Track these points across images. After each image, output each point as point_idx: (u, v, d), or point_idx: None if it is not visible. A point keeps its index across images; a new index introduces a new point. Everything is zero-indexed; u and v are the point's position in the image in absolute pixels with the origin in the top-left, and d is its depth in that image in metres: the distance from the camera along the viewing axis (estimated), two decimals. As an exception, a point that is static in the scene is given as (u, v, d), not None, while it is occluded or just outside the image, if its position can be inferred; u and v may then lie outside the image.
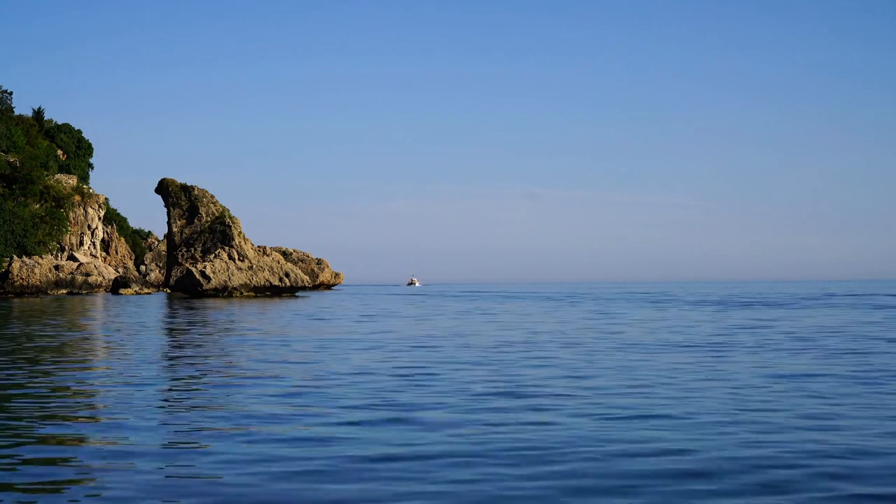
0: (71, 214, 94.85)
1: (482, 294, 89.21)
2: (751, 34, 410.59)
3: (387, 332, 24.34)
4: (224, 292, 72.93)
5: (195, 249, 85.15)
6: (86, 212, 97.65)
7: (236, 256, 77.32)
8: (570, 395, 10.92)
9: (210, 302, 55.19)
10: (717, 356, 16.22)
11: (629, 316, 34.27)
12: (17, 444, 7.91)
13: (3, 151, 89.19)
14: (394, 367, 14.27)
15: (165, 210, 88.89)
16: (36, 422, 9.08)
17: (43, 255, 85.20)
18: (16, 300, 62.09)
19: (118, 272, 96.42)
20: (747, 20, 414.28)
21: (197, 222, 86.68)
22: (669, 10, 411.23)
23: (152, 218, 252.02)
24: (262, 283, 75.51)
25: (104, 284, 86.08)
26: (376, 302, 58.19)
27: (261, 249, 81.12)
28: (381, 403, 10.27)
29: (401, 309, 44.22)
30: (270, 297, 71.00)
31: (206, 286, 72.75)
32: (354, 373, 13.51)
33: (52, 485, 6.57)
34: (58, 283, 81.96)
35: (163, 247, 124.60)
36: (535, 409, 9.88)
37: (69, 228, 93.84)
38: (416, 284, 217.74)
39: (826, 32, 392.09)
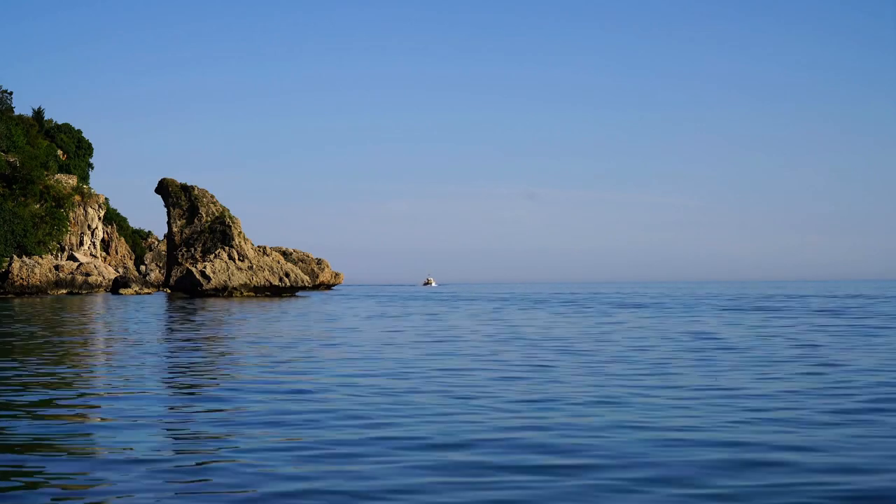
0: (71, 214, 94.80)
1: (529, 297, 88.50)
2: (751, 34, 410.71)
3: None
4: (224, 292, 72.90)
5: (195, 249, 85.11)
6: (86, 212, 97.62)
7: (236, 256, 77.30)
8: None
9: (211, 302, 55.17)
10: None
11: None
12: (15, 447, 7.87)
13: (3, 151, 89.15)
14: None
15: (165, 210, 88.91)
16: (33, 423, 9.04)
17: (43, 255, 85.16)
18: (16, 300, 62.07)
19: (118, 272, 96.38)
20: (747, 20, 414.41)
21: (197, 222, 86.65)
22: (669, 10, 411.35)
23: (152, 218, 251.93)
24: (262, 283, 75.49)
25: (104, 284, 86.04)
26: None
27: (261, 249, 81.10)
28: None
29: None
30: (270, 297, 70.98)
31: (206, 286, 72.73)
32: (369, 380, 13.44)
33: (49, 489, 6.53)
34: (58, 283, 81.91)
35: (163, 247, 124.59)
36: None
37: (69, 228, 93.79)
38: (433, 284, 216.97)
39: (826, 32, 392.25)
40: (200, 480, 6.69)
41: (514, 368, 14.21)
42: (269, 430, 8.58)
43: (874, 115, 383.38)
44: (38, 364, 14.97)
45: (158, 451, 7.68)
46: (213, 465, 7.20)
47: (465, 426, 8.72)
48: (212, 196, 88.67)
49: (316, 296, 77.98)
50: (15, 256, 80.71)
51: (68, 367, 14.67)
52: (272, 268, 77.09)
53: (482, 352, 17.52)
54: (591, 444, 7.83)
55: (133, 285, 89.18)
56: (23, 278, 79.20)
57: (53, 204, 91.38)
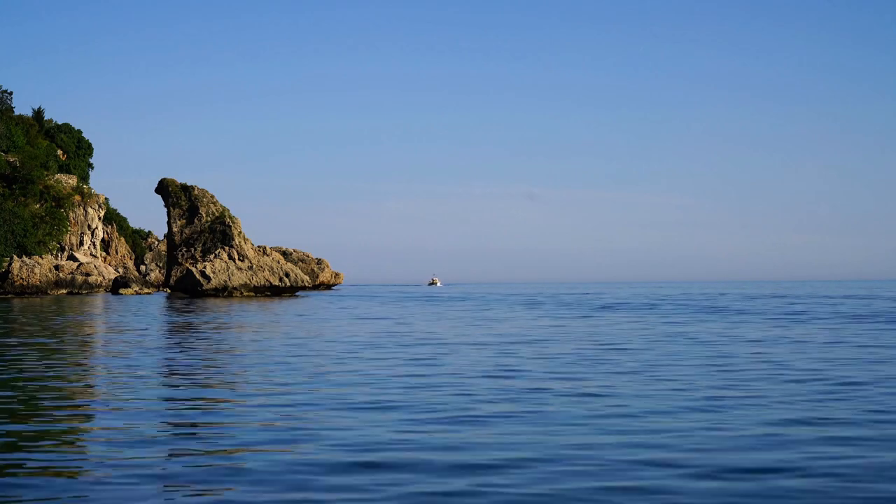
0: (71, 214, 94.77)
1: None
2: (751, 34, 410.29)
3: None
4: (224, 292, 72.88)
5: (195, 249, 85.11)
6: (86, 212, 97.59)
7: (236, 256, 77.27)
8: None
9: (212, 302, 55.16)
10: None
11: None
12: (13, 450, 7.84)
13: (3, 151, 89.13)
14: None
15: (165, 210, 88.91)
16: (31, 426, 9.01)
17: (43, 255, 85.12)
18: (16, 300, 62.05)
19: (118, 272, 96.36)
20: (747, 20, 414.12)
21: (197, 222, 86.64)
22: (669, 10, 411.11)
23: (152, 218, 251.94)
24: (262, 283, 75.46)
25: (104, 284, 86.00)
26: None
27: (261, 249, 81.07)
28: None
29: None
30: (270, 297, 70.96)
31: (206, 286, 72.70)
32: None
33: (48, 493, 6.51)
34: (58, 283, 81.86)
35: (163, 247, 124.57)
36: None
37: (69, 228, 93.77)
38: (438, 284, 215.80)
39: (826, 32, 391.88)
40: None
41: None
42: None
43: (874, 115, 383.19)
44: (36, 366, 14.94)
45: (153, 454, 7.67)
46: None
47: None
48: (212, 196, 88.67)
49: (316, 296, 77.97)
50: (15, 256, 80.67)
51: (65, 372, 14.64)
52: (272, 268, 77.06)
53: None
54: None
55: (133, 285, 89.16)
56: (23, 278, 79.16)
57: (53, 204, 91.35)
